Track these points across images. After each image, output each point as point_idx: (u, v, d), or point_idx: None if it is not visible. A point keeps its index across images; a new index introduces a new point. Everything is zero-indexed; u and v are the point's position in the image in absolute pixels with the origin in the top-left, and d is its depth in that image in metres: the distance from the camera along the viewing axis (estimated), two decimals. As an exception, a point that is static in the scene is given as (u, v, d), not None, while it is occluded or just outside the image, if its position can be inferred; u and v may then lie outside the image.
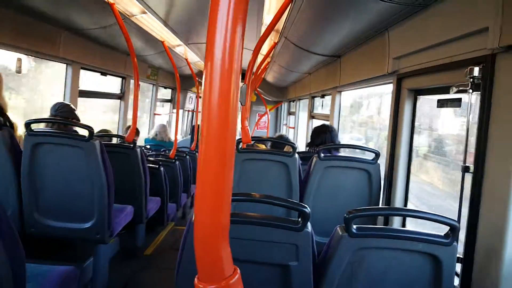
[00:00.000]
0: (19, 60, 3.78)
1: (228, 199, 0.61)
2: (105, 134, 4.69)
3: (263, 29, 3.89)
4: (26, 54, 3.82)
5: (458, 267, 1.81)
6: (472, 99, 1.91)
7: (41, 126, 3.43)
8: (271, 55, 5.38)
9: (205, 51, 0.59)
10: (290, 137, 7.48)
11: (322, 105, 6.01)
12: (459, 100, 2.16)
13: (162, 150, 6.49)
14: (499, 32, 1.60)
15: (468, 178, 1.86)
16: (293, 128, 8.59)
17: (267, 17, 3.30)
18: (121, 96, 6.23)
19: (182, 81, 6.21)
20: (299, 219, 1.50)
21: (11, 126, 2.98)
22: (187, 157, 6.25)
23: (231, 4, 0.55)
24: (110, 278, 3.33)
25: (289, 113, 9.78)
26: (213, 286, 0.64)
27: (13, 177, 2.78)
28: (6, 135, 2.68)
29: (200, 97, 8.18)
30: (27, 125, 2.77)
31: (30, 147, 2.77)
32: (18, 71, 3.80)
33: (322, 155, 2.91)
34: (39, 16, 3.61)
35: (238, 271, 0.66)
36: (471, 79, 1.81)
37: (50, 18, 3.71)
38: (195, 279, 0.66)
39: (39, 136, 2.80)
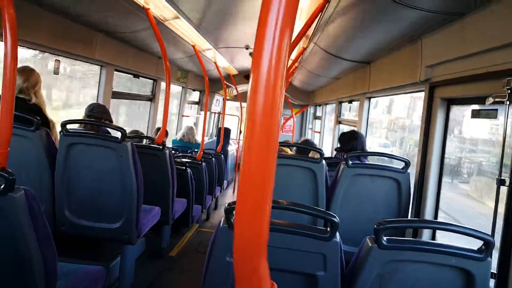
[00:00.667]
0: (58, 61, 3.91)
1: (268, 213, 0.61)
2: (136, 136, 4.78)
3: (294, 35, 3.89)
4: (64, 56, 3.94)
5: (492, 283, 1.77)
6: (509, 110, 1.86)
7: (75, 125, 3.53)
8: (299, 60, 5.37)
9: (252, 59, 0.58)
10: (316, 141, 7.44)
11: (350, 110, 5.95)
12: (495, 110, 2.11)
13: (188, 151, 6.56)
14: None
15: (504, 191, 1.81)
16: (319, 132, 8.53)
17: (299, 23, 3.29)
18: (151, 98, 6.34)
19: (210, 84, 6.28)
20: (327, 228, 1.49)
21: (48, 125, 3.08)
22: (213, 159, 6.29)
23: (280, 15, 0.56)
24: (136, 278, 3.37)
25: (315, 118, 9.72)
26: None
27: (48, 175, 2.86)
28: (44, 134, 2.76)
29: (227, 99, 8.24)
30: (63, 125, 2.85)
31: (65, 147, 2.84)
32: (56, 72, 3.92)
33: (350, 162, 2.88)
34: (76, 19, 3.72)
35: (276, 286, 0.66)
36: (509, 90, 1.77)
37: (87, 21, 3.82)
38: None
39: (73, 136, 2.87)
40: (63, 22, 3.63)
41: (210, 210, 6.55)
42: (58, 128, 3.14)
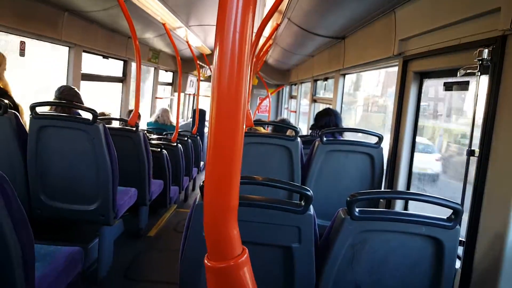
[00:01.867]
0: (23, 43, 3.75)
1: (237, 181, 0.62)
2: (108, 118, 4.68)
3: (266, 10, 3.84)
4: (29, 37, 3.78)
5: (460, 250, 1.82)
6: (480, 81, 1.89)
7: (46, 109, 3.43)
8: (273, 37, 5.32)
9: (215, 33, 0.58)
10: (292, 121, 7.46)
11: (325, 89, 5.97)
12: (467, 83, 2.14)
13: (164, 133, 6.49)
14: None
15: (474, 161, 1.85)
16: (295, 112, 8.56)
17: (270, -1, 3.25)
18: (122, 80, 6.19)
19: (183, 64, 6.18)
20: (302, 202, 1.52)
21: (16, 108, 2.97)
22: (189, 140, 6.25)
23: None
24: (114, 259, 3.39)
25: (291, 97, 9.74)
26: (222, 264, 0.65)
27: (19, 159, 2.81)
28: (12, 118, 2.69)
29: (201, 80, 8.14)
30: (32, 108, 2.78)
31: (36, 130, 2.79)
32: (22, 54, 3.77)
33: (325, 139, 2.90)
34: None
35: (247, 251, 0.67)
36: (480, 62, 1.78)
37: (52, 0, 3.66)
38: (205, 259, 0.66)
39: (44, 119, 2.81)
40: (26, 1, 3.47)
41: (188, 191, 6.55)
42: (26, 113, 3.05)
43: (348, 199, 1.51)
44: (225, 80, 0.57)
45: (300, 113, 8.30)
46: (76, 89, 3.70)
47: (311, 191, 1.51)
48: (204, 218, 0.65)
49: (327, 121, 3.55)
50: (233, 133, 0.58)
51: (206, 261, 0.66)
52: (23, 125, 2.84)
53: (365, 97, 6.91)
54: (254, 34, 3.51)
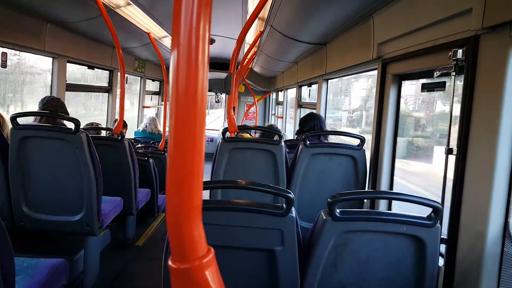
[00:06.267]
0: (4, 54, 3.72)
1: (199, 180, 0.61)
2: (93, 127, 4.66)
3: (247, 16, 3.88)
4: (11, 48, 3.76)
5: (443, 248, 1.85)
6: (455, 81, 1.93)
7: (30, 120, 3.40)
8: (257, 44, 5.37)
9: (172, 33, 0.58)
10: (279, 126, 7.49)
11: (309, 95, 6.03)
12: (443, 83, 2.18)
13: (151, 142, 6.47)
14: (483, 13, 1.60)
15: (452, 160, 1.88)
16: (281, 117, 8.60)
17: (252, 6, 3.28)
18: (108, 90, 6.17)
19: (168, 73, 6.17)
20: (284, 205, 1.52)
21: None
22: None
23: None
24: (101, 270, 3.34)
25: (277, 103, 9.79)
26: (186, 265, 0.63)
27: (0, 171, 2.78)
28: None
29: None
30: (13, 118, 2.76)
31: (17, 141, 2.76)
32: (3, 65, 3.74)
33: (308, 142, 2.93)
34: (22, 9, 3.55)
35: (212, 250, 0.65)
36: (455, 62, 1.81)
37: (33, 10, 3.65)
38: (169, 260, 0.64)
39: (25, 130, 2.78)
40: (7, 12, 3.46)
41: None
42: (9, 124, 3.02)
43: (329, 200, 1.52)
44: (182, 81, 0.57)
45: (288, 119, 8.34)
46: (60, 99, 3.67)
47: (292, 193, 1.52)
48: (167, 218, 0.64)
49: (312, 125, 3.58)
50: (192, 132, 0.58)
51: (170, 262, 0.64)
52: (4, 136, 2.82)
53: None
54: (234, 40, 3.54)
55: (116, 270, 3.63)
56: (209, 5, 0.57)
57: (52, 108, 3.48)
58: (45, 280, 2.02)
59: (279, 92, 9.29)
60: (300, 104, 6.43)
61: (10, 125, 3.06)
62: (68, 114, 3.66)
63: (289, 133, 7.37)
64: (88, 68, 5.36)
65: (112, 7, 3.75)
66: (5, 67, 3.82)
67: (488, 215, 1.60)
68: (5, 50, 3.73)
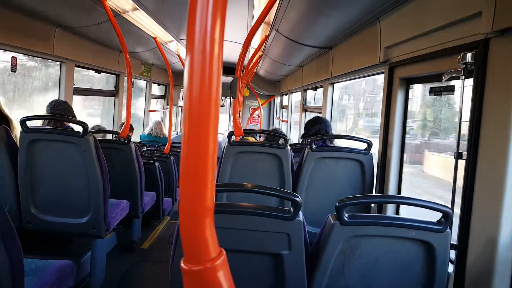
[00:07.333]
0: (14, 58, 3.76)
1: (211, 183, 0.61)
2: (100, 131, 4.69)
3: (253, 21, 3.90)
4: (20, 53, 3.79)
5: (453, 254, 1.82)
6: (464, 85, 1.91)
7: (38, 123, 3.43)
8: (262, 48, 5.38)
9: (187, 39, 0.59)
10: (284, 130, 7.48)
11: (315, 98, 6.02)
12: (452, 87, 2.17)
13: (157, 145, 6.49)
14: (493, 16, 1.59)
15: (462, 164, 1.87)
16: (286, 121, 8.60)
17: (258, 10, 3.30)
18: (115, 93, 6.21)
19: (175, 78, 6.20)
20: (291, 208, 1.51)
21: (7, 122, 2.97)
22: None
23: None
24: (107, 272, 3.35)
25: (282, 107, 9.78)
26: (198, 267, 0.63)
27: (10, 173, 2.80)
28: (2, 132, 2.70)
29: None
30: (22, 122, 2.78)
31: (26, 144, 2.79)
32: (13, 69, 3.78)
33: (314, 146, 2.92)
34: (31, 14, 3.59)
35: (224, 252, 0.66)
36: (464, 65, 1.80)
37: (43, 15, 3.69)
38: (181, 262, 0.65)
39: (34, 133, 2.81)
40: (18, 17, 3.50)
41: None
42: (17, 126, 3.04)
43: (337, 204, 1.51)
44: (196, 84, 0.58)
45: (292, 123, 8.34)
46: (68, 103, 3.71)
47: (299, 197, 1.51)
48: (180, 221, 0.64)
49: (318, 129, 3.57)
50: (205, 135, 0.59)
51: (182, 264, 0.65)
52: (13, 140, 2.84)
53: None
54: (240, 44, 3.55)
55: (122, 272, 3.64)
56: (224, 9, 0.57)
57: (60, 111, 3.52)
58: (52, 282, 2.02)
59: (284, 96, 9.29)
60: (305, 108, 6.42)
61: (17, 128, 3.10)
62: (76, 117, 3.69)
63: (294, 137, 7.37)
64: (95, 72, 5.41)
65: (120, 12, 3.78)
66: (15, 71, 3.86)
67: (499, 221, 1.57)
68: (14, 54, 3.76)
